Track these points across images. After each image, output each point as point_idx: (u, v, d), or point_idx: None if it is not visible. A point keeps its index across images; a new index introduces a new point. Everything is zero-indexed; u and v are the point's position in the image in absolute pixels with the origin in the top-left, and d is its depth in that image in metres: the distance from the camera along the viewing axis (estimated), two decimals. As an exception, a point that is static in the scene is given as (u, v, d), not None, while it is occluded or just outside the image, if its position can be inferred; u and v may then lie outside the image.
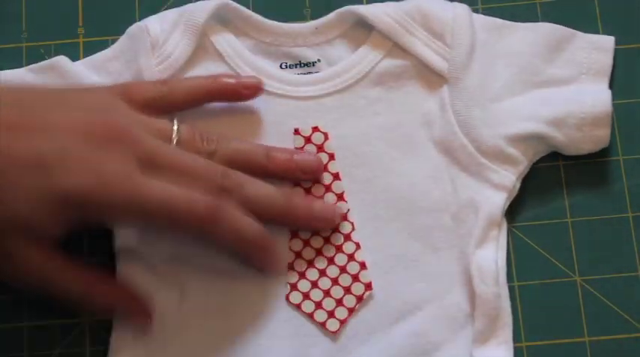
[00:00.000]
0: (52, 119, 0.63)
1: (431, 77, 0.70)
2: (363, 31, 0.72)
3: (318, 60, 0.72)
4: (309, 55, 0.72)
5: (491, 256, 0.67)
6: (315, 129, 0.70)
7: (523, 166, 0.69)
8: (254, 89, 0.70)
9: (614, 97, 0.70)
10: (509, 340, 0.66)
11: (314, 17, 0.73)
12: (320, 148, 0.70)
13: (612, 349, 0.67)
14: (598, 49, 0.71)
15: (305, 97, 0.71)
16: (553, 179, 0.70)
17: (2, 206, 0.62)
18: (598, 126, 0.69)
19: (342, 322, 0.67)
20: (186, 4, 0.73)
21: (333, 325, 0.67)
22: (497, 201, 0.68)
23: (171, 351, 0.67)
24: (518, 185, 0.69)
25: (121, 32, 0.73)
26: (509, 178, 0.68)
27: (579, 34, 0.71)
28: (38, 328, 0.69)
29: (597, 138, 0.69)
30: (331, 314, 0.67)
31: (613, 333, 0.67)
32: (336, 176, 0.70)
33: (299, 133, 0.70)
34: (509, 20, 0.72)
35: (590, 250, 0.69)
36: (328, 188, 0.70)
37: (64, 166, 0.62)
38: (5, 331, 0.69)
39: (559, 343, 0.67)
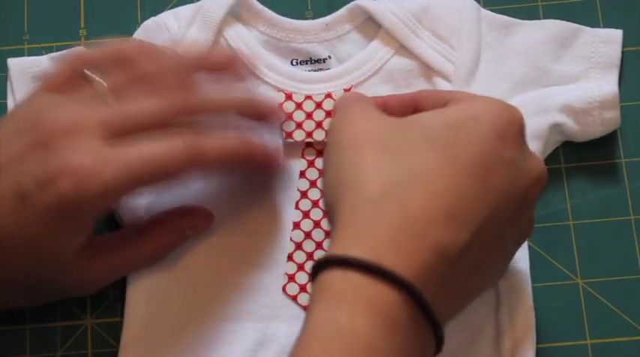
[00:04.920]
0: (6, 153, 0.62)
1: (436, 78, 0.70)
2: (372, 26, 0.72)
3: (329, 56, 0.72)
4: (320, 51, 0.72)
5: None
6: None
7: None
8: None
9: (616, 99, 0.70)
10: (534, 339, 0.66)
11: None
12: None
13: (614, 352, 0.67)
14: (606, 42, 0.71)
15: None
16: (555, 182, 0.70)
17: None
18: (607, 108, 0.69)
19: None
20: (186, 4, 0.74)
21: None
22: None
23: (177, 339, 0.67)
24: None
25: (124, 33, 0.73)
26: None
27: (586, 28, 0.71)
28: (40, 330, 0.69)
29: (608, 121, 0.69)
30: None
31: (615, 336, 0.67)
32: None
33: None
34: (512, 22, 0.73)
35: (592, 252, 0.69)
36: None
37: (37, 185, 0.60)
38: (7, 333, 0.69)
39: (561, 345, 0.67)
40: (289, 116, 0.70)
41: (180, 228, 0.67)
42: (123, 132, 0.62)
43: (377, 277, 0.54)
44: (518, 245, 0.63)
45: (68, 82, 0.64)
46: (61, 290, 0.66)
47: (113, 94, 0.63)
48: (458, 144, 0.58)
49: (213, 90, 0.65)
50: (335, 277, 0.55)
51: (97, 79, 0.64)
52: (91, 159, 0.60)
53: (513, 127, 0.60)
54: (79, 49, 0.67)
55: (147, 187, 0.63)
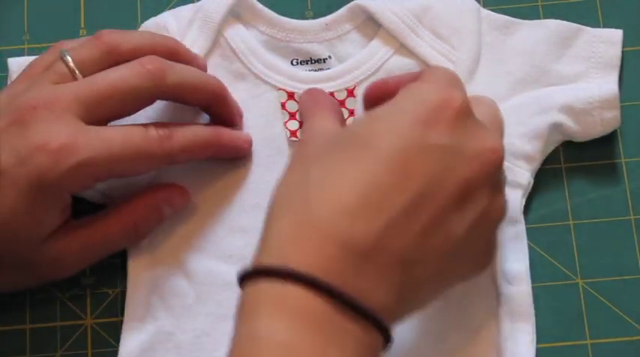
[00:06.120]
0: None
1: (436, 77, 0.70)
2: (372, 26, 0.72)
3: (329, 56, 0.72)
4: (320, 51, 0.72)
5: (513, 256, 0.67)
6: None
7: (537, 162, 0.69)
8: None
9: (616, 99, 0.70)
10: (534, 339, 0.66)
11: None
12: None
13: (614, 352, 0.67)
14: (605, 42, 0.71)
15: None
16: (555, 182, 0.70)
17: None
18: (607, 108, 0.69)
19: None
20: (186, 4, 0.74)
21: None
22: (512, 199, 0.67)
23: (177, 339, 0.67)
24: (532, 181, 0.69)
25: (123, 34, 0.73)
26: (524, 174, 0.68)
27: (586, 28, 0.71)
28: (40, 330, 0.69)
29: (608, 120, 0.69)
30: None
31: (615, 336, 0.67)
32: None
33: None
34: (512, 22, 0.73)
35: (592, 252, 0.69)
36: None
37: (18, 161, 0.62)
38: (7, 333, 0.69)
39: (561, 345, 0.67)
40: (292, 115, 0.70)
41: (155, 202, 0.67)
42: (97, 105, 0.64)
43: (283, 278, 0.53)
44: (487, 230, 0.61)
45: (44, 68, 0.66)
46: (38, 272, 0.66)
47: (83, 69, 0.65)
48: (375, 137, 0.57)
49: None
50: (248, 289, 0.54)
51: (67, 55, 0.65)
52: (66, 135, 0.62)
53: (443, 112, 0.58)
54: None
55: (122, 169, 0.64)
